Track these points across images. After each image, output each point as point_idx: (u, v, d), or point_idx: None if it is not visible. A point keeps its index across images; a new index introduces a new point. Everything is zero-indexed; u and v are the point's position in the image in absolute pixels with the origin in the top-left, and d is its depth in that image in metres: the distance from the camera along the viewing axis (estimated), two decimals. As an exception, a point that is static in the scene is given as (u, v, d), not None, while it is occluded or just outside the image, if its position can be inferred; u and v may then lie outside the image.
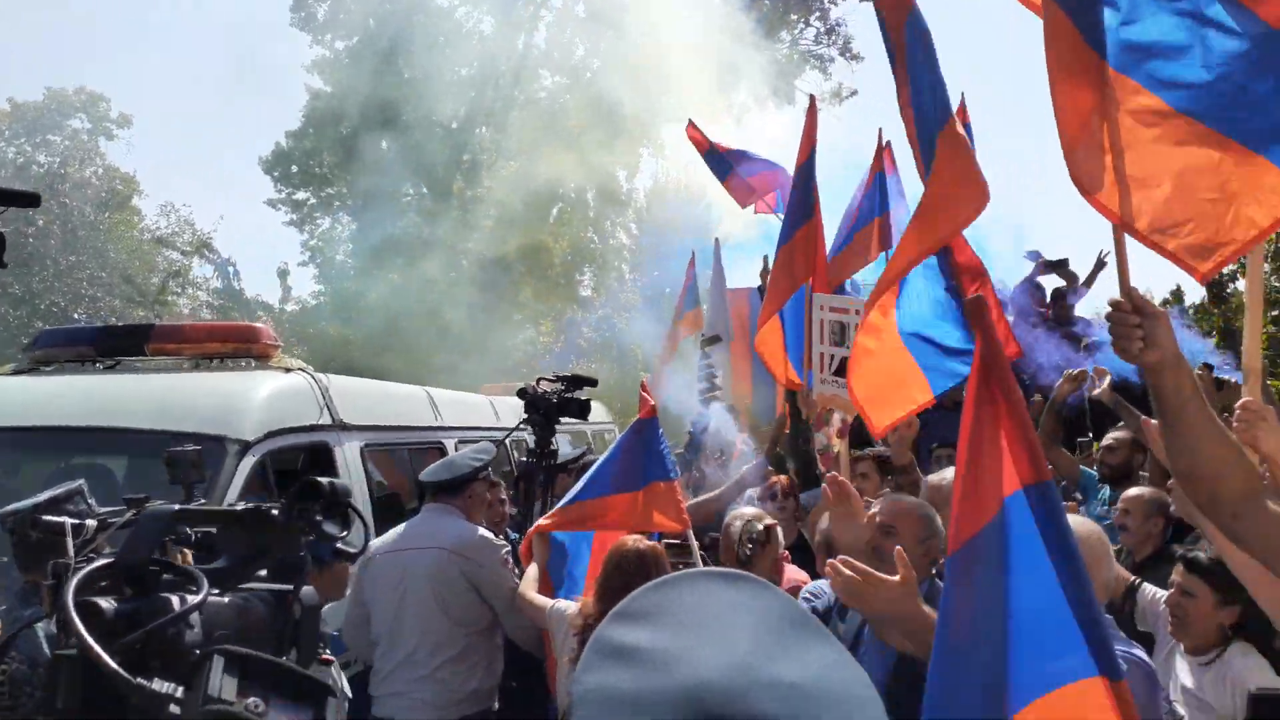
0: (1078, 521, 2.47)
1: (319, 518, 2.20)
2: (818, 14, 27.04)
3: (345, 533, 2.05)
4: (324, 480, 2.10)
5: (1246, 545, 2.06)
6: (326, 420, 5.34)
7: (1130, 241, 2.36)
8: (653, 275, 28.84)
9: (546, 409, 4.65)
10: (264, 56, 49.11)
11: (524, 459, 5.17)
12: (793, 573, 4.18)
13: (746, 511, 4.20)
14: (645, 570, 3.35)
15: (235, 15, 51.04)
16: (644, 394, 4.63)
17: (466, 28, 25.79)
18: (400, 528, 4.53)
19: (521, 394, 4.68)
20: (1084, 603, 1.52)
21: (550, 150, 22.08)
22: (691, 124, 8.67)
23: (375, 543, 4.44)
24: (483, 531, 4.49)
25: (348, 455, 5.42)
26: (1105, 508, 5.17)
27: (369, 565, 4.36)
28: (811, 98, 6.28)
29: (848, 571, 2.10)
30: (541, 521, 4.51)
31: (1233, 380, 5.27)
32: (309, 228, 28.52)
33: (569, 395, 4.72)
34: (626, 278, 29.85)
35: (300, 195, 28.12)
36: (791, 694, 0.89)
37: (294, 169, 27.64)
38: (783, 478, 5.35)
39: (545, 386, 4.86)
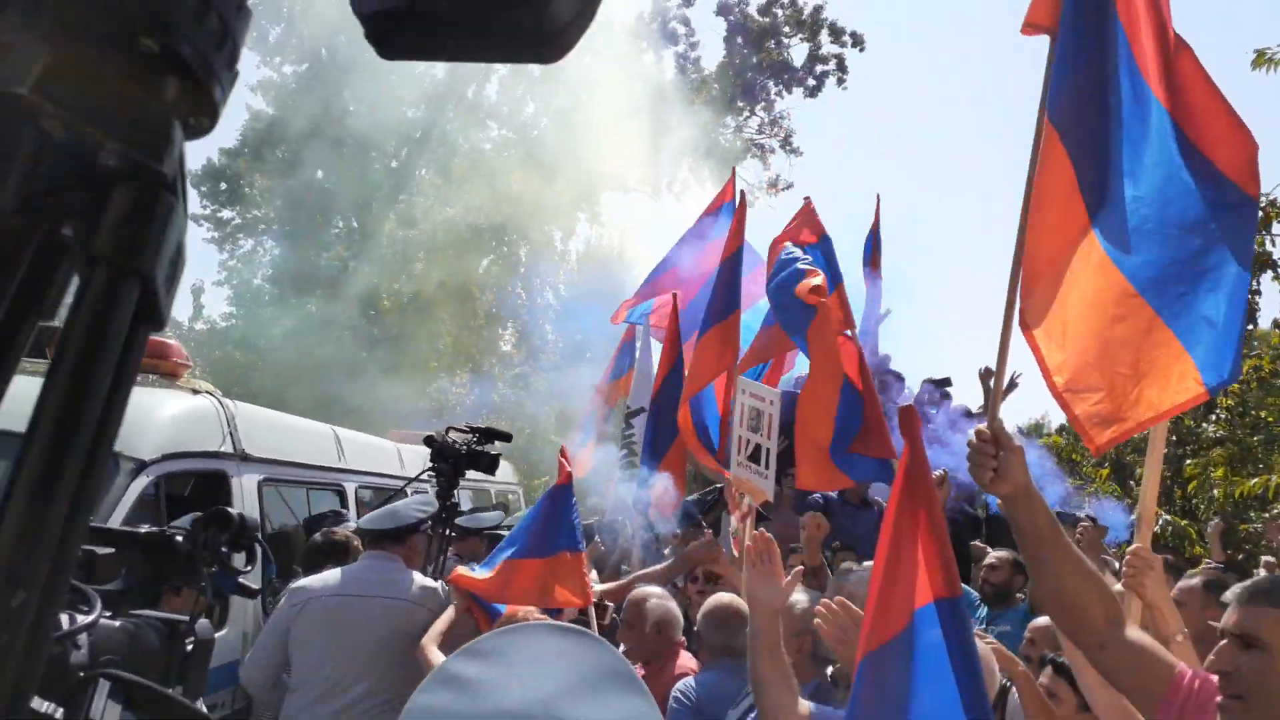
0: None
1: (225, 549, 2.11)
2: (763, 104, 27.89)
3: (250, 567, 1.98)
4: (234, 511, 2.04)
5: (1113, 678, 2.16)
6: (228, 448, 5.17)
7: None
8: (575, 339, 28.91)
9: (454, 459, 4.42)
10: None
11: None
12: (684, 659, 4.17)
13: (652, 591, 4.20)
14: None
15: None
16: (562, 459, 4.59)
17: (419, 69, 25.87)
18: (335, 573, 4.27)
19: (429, 442, 4.45)
20: (982, 716, 1.55)
21: (488, 201, 22.13)
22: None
23: (310, 584, 4.18)
24: (436, 583, 4.42)
25: (245, 487, 5.24)
26: (983, 627, 5.07)
27: (306, 606, 4.09)
28: (742, 194, 6.43)
29: (844, 615, 2.14)
30: (463, 573, 4.40)
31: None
32: (229, 247, 27.86)
33: (479, 448, 4.50)
34: (549, 337, 29.83)
35: (226, 214, 27.52)
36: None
37: (223, 186, 27.09)
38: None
39: (455, 436, 4.65)
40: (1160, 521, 9.71)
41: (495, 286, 26.69)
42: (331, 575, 4.29)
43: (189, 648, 1.73)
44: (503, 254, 26.30)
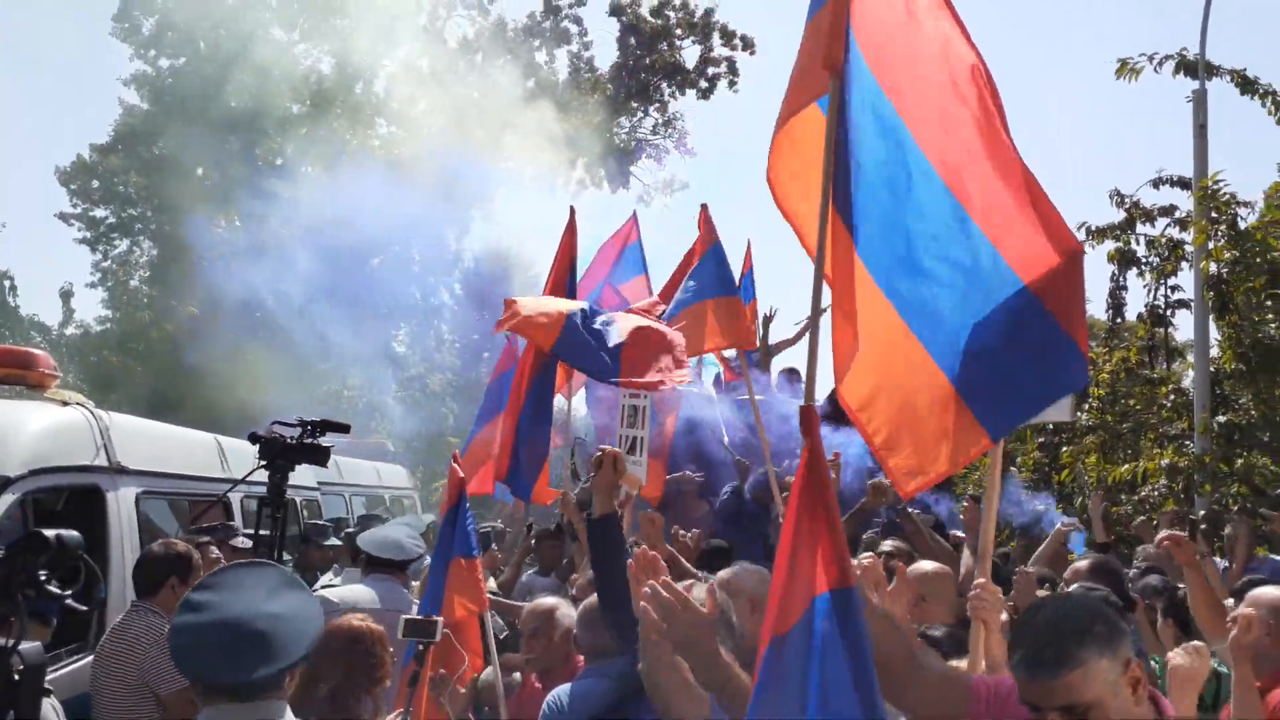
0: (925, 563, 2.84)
1: (43, 573, 1.98)
2: (657, 104, 28.06)
3: (70, 590, 1.89)
4: (50, 533, 1.93)
5: (921, 710, 2.31)
6: (102, 461, 4.93)
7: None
8: (472, 339, 28.56)
9: (284, 454, 4.00)
10: (75, 62, 45.99)
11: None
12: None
13: (558, 601, 4.18)
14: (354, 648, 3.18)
15: (47, 14, 47.70)
16: (454, 466, 4.53)
17: (304, 65, 25.15)
18: (356, 588, 4.73)
19: (254, 438, 4.00)
20: (871, 705, 1.60)
21: (377, 199, 21.66)
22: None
23: (335, 596, 4.44)
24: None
25: (121, 501, 5.00)
26: None
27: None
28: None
29: (665, 593, 2.13)
30: None
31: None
32: (103, 248, 26.58)
33: (310, 441, 4.05)
34: (445, 339, 29.41)
35: (99, 213, 26.24)
36: (276, 618, 2.18)
37: (95, 184, 25.82)
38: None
39: (281, 430, 4.23)
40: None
41: (386, 287, 26.15)
42: (350, 590, 4.71)
43: (16, 675, 1.64)
44: (394, 253, 25.77)
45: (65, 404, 4.99)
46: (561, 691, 3.26)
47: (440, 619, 3.93)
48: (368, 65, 24.43)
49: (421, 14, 25.15)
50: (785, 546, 1.82)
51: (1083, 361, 2.65)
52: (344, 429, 4.23)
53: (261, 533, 3.86)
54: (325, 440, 3.95)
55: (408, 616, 3.89)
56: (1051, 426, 11.10)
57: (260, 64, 20.98)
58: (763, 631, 1.82)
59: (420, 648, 3.76)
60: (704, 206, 6.48)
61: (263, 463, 3.75)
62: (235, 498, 6.38)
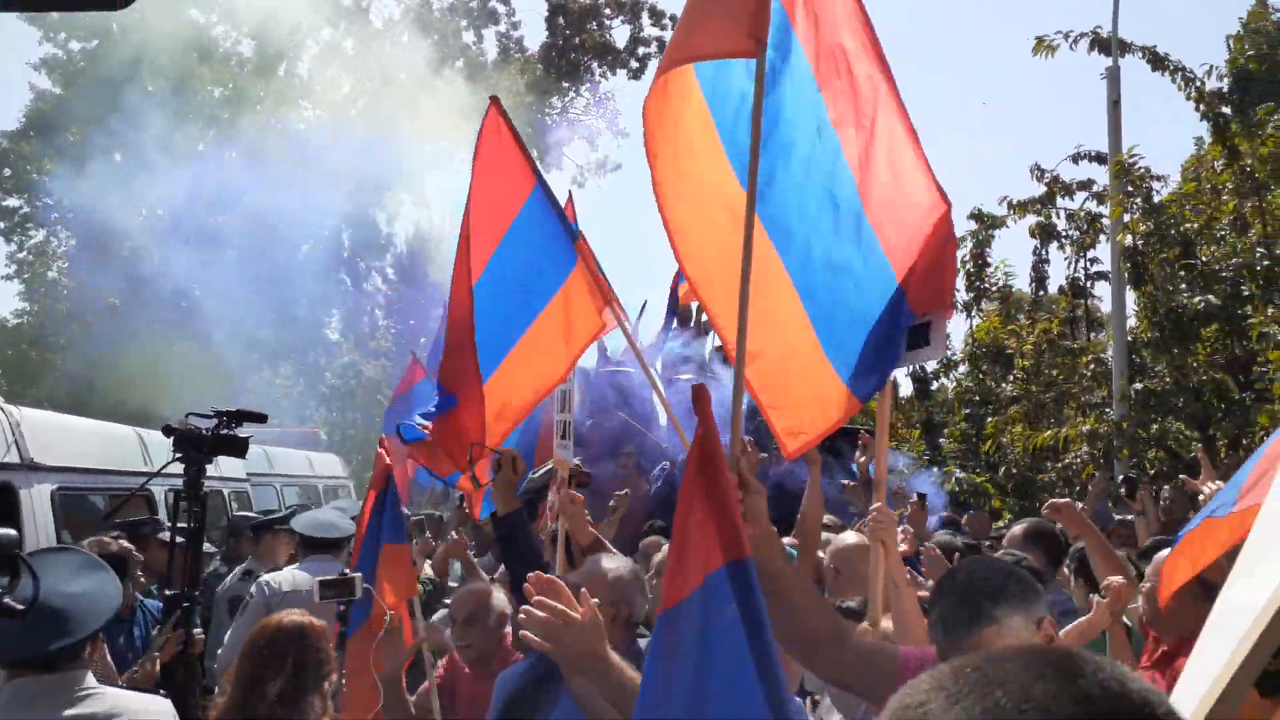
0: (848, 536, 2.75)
1: None
2: (588, 85, 27.90)
3: (4, 586, 1.86)
4: None
5: (849, 682, 2.36)
6: (14, 459, 4.79)
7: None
8: (408, 324, 28.20)
9: (200, 446, 3.84)
10: (-18, 45, 44.14)
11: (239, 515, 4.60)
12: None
13: (490, 587, 4.17)
14: (286, 647, 2.98)
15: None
16: (381, 451, 4.47)
17: (224, 47, 24.46)
18: (289, 570, 4.89)
19: (168, 430, 3.85)
20: (772, 677, 1.62)
21: (304, 184, 21.21)
22: None
23: (276, 580, 4.70)
24: None
25: (35, 498, 4.86)
26: None
27: (285, 600, 4.32)
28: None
29: (539, 612, 2.01)
30: None
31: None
32: (18, 238, 25.63)
33: (227, 432, 3.91)
34: (380, 324, 28.99)
35: (11, 202, 25.28)
36: (73, 597, 2.50)
37: (7, 172, 24.86)
38: None
39: (197, 421, 4.03)
40: (953, 479, 10.42)
41: (317, 273, 25.66)
42: (288, 573, 4.84)
43: None
44: (323, 238, 25.30)
45: (-29, 400, 4.82)
46: (514, 670, 3.28)
47: (359, 575, 3.93)
48: (290, 46, 23.86)
49: (345, -7, 24.64)
50: (679, 524, 1.84)
51: (909, 314, 2.95)
52: (261, 419, 4.12)
53: (179, 525, 3.76)
54: (243, 431, 3.85)
55: (323, 579, 3.87)
56: (978, 399, 11.38)
57: (177, 46, 20.35)
58: (659, 604, 1.83)
59: (341, 607, 3.85)
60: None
61: (177, 455, 3.64)
62: (158, 491, 6.23)
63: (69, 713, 2.40)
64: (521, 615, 2.06)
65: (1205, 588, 3.56)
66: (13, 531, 1.97)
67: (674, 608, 1.77)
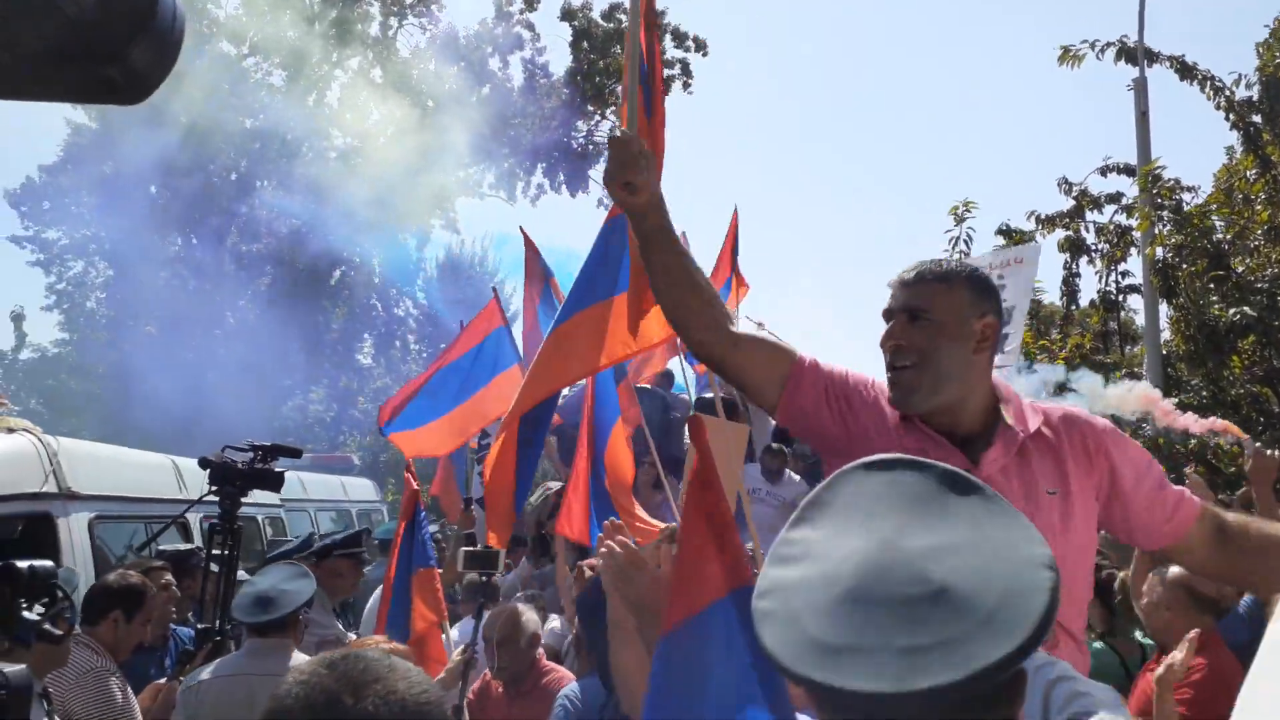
0: None
1: (22, 601, 2.04)
2: (613, 108, 28.08)
3: (46, 614, 1.91)
4: (23, 564, 1.95)
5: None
6: (51, 488, 4.87)
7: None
8: (438, 348, 28.41)
9: (236, 480, 3.97)
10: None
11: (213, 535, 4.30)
12: (551, 667, 4.17)
13: (522, 607, 4.19)
14: None
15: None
16: (408, 476, 4.52)
17: (255, 78, 24.90)
18: (222, 660, 3.77)
19: (204, 464, 3.98)
20: (779, 703, 1.61)
21: (335, 211, 21.49)
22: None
23: (205, 670, 3.70)
24: None
25: (74, 527, 4.94)
26: None
27: (198, 691, 3.57)
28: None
29: (619, 548, 2.04)
30: None
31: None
32: (58, 270, 26.14)
33: (262, 466, 4.03)
34: (412, 349, 29.22)
35: (51, 234, 25.80)
36: (281, 590, 3.55)
37: (46, 205, 25.39)
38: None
39: (233, 455, 4.17)
40: None
41: (347, 298, 25.92)
42: (218, 663, 3.74)
43: (3, 697, 1.67)
44: (355, 264, 25.58)
45: (11, 431, 4.92)
46: (573, 689, 3.32)
47: (501, 550, 4.13)
48: (320, 75, 24.24)
49: (372, 23, 25.01)
50: (681, 544, 1.84)
51: None
52: (295, 454, 4.23)
53: (214, 552, 3.82)
54: (278, 465, 3.94)
55: (467, 549, 4.08)
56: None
57: (209, 77, 20.75)
58: (662, 623, 1.82)
59: (483, 579, 4.11)
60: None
61: (212, 489, 3.73)
62: (194, 519, 6.31)
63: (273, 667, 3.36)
64: (602, 551, 2.09)
65: (1197, 601, 3.54)
66: (50, 563, 2.02)
67: (672, 631, 1.76)
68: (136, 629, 3.88)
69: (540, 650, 4.22)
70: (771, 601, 1.01)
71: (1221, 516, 2.18)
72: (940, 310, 2.07)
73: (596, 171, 27.77)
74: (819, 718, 1.02)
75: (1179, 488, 2.21)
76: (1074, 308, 11.97)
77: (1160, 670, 3.13)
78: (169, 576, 4.40)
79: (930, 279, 2.10)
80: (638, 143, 2.18)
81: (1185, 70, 8.94)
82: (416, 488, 4.45)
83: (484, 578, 4.07)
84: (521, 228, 7.04)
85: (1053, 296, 12.09)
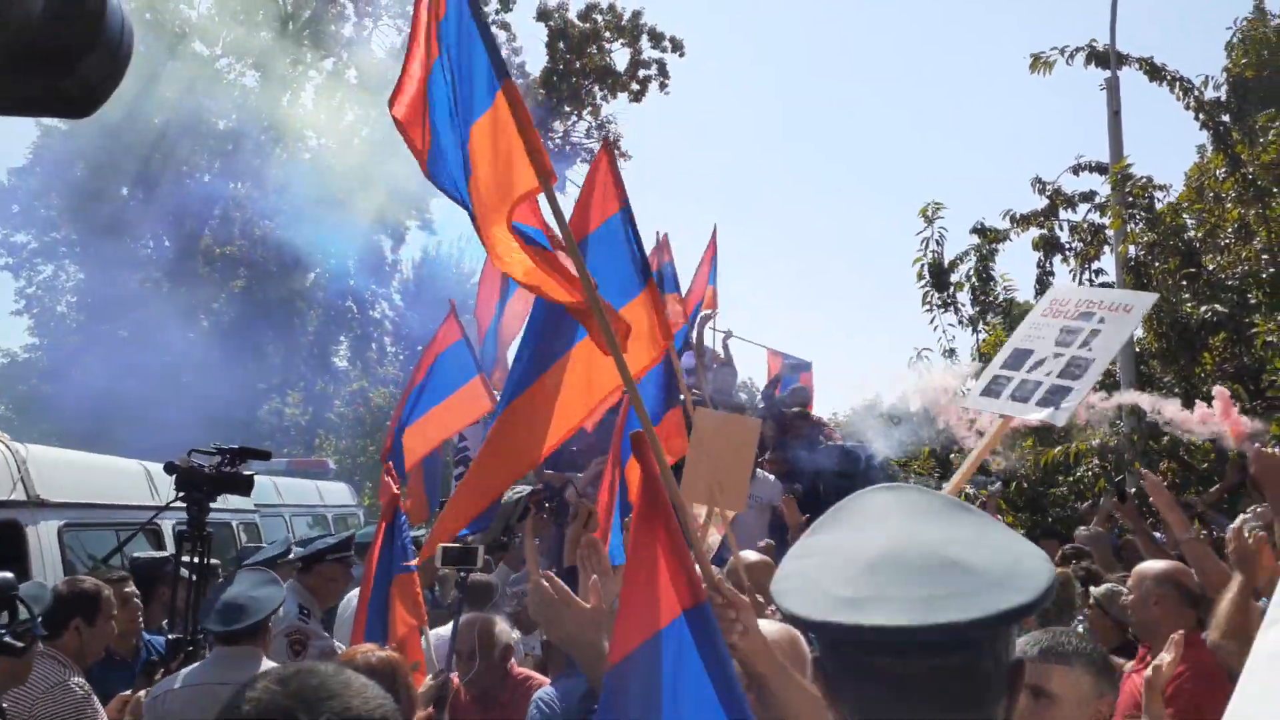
0: (775, 627, 2.39)
1: None
2: (589, 108, 28.04)
3: (8, 628, 1.87)
4: None
5: None
6: (19, 496, 4.79)
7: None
8: (415, 350, 28.25)
9: (203, 485, 3.87)
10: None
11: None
12: (524, 672, 4.15)
13: (494, 617, 4.17)
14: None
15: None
16: (386, 480, 4.47)
17: (228, 79, 24.67)
18: (190, 669, 3.66)
19: (170, 469, 3.87)
20: (740, 714, 1.60)
21: (310, 212, 21.31)
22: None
23: (174, 679, 3.60)
24: None
25: (42, 535, 4.86)
26: None
27: (164, 700, 3.51)
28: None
29: (546, 585, 2.09)
30: None
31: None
32: (27, 274, 25.81)
33: (231, 470, 3.95)
34: (389, 350, 29.04)
35: (20, 238, 25.47)
36: (250, 596, 3.50)
37: (15, 208, 25.07)
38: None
39: (200, 459, 4.06)
40: (964, 494, 10.34)
41: (323, 300, 25.72)
42: (185, 672, 3.63)
43: None
44: (329, 265, 25.38)
45: (-23, 439, 4.84)
46: (549, 691, 3.27)
47: (480, 547, 4.10)
48: (295, 76, 24.06)
49: (347, 24, 24.85)
50: (630, 569, 1.79)
51: None
52: (264, 455, 4.14)
53: (183, 559, 3.75)
54: (247, 468, 3.86)
55: (446, 545, 3.93)
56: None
57: (181, 78, 20.54)
58: (610, 652, 1.77)
59: (462, 575, 4.07)
60: None
61: (179, 495, 3.64)
62: (168, 526, 6.24)
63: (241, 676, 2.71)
64: (531, 586, 2.14)
65: (1187, 595, 3.57)
66: (10, 575, 1.98)
67: (622, 662, 1.72)
68: (101, 632, 3.81)
69: (513, 661, 4.19)
70: (792, 582, 1.09)
71: None
72: (1060, 689, 2.16)
73: (573, 171, 27.74)
74: (831, 669, 1.10)
75: None
76: (1048, 306, 12.06)
77: (1148, 673, 3.14)
78: (131, 587, 4.29)
79: (1053, 659, 2.18)
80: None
81: (1154, 72, 9.02)
82: (397, 491, 4.40)
83: (462, 574, 4.03)
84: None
85: (1025, 295, 12.19)
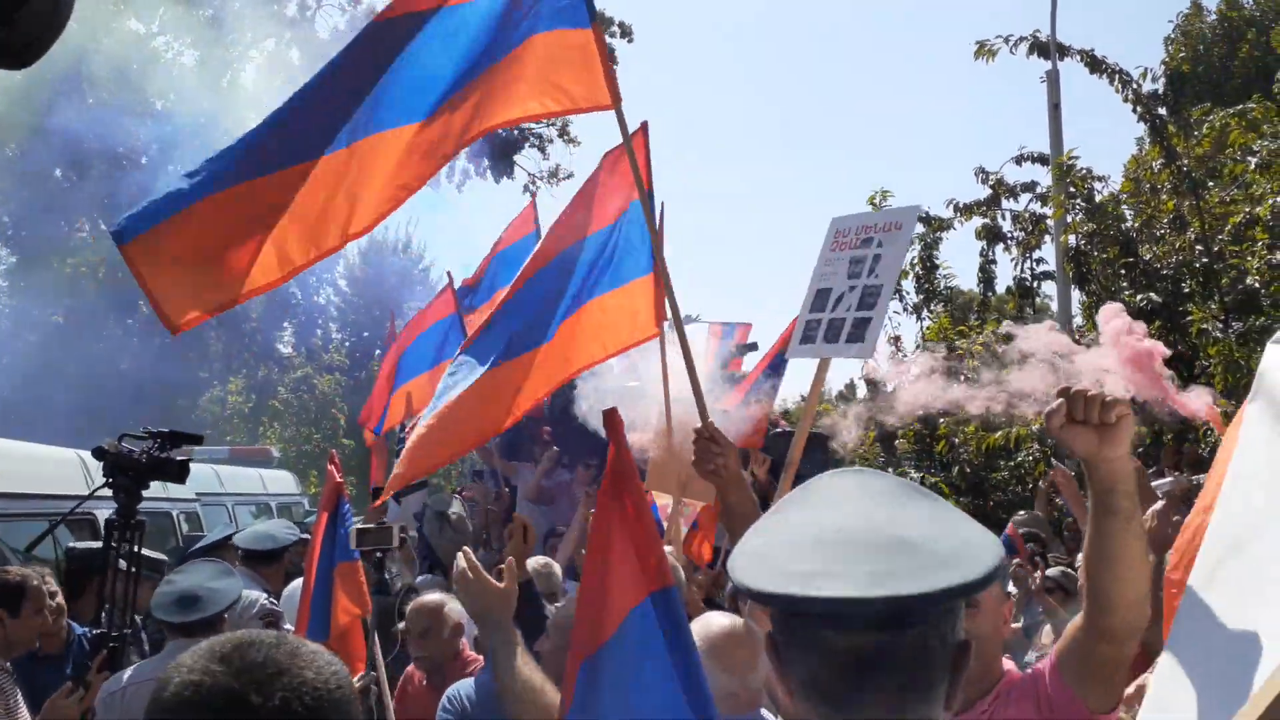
0: (728, 619, 2.54)
1: None
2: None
3: None
4: None
5: None
6: (-54, 486, 4.63)
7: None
8: (361, 336, 27.85)
9: (133, 471, 3.67)
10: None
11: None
12: (474, 657, 4.14)
13: (444, 597, 4.15)
14: None
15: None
16: (330, 469, 4.41)
17: (165, 58, 24.00)
18: (143, 663, 3.75)
19: (99, 454, 3.69)
20: (701, 701, 1.60)
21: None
22: None
23: (123, 676, 3.60)
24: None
25: (-30, 526, 4.72)
26: None
27: (121, 697, 3.48)
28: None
29: (464, 563, 2.42)
30: None
31: None
32: (-44, 256, 24.95)
33: (163, 455, 3.75)
34: (334, 337, 28.61)
35: (-52, 219, 24.59)
36: (208, 588, 3.49)
37: (-59, 189, 24.19)
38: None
39: (130, 444, 3.86)
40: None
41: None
42: (138, 668, 3.69)
43: None
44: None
45: (-100, 427, 4.66)
46: (464, 686, 3.23)
47: (396, 525, 4.25)
48: (234, 56, 23.50)
49: (290, 4, 24.33)
50: (592, 558, 1.79)
51: None
52: (196, 439, 4.01)
53: (116, 549, 3.62)
54: (181, 453, 3.73)
55: (360, 526, 4.13)
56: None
57: (115, 56, 19.93)
58: (577, 644, 1.76)
59: (379, 555, 4.18)
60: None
61: (108, 481, 3.50)
62: (103, 514, 6.08)
63: None
64: (454, 573, 2.47)
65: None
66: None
67: (596, 654, 1.72)
68: (28, 622, 3.70)
69: (464, 640, 4.18)
70: (747, 558, 1.13)
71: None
72: (987, 599, 2.37)
73: (522, 158, 27.51)
74: (782, 644, 1.14)
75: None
76: (990, 294, 12.28)
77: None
78: (52, 584, 4.13)
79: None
80: (707, 430, 2.66)
81: (1095, 64, 9.19)
82: (340, 480, 4.34)
83: (379, 554, 4.00)
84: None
85: (970, 283, 12.38)
